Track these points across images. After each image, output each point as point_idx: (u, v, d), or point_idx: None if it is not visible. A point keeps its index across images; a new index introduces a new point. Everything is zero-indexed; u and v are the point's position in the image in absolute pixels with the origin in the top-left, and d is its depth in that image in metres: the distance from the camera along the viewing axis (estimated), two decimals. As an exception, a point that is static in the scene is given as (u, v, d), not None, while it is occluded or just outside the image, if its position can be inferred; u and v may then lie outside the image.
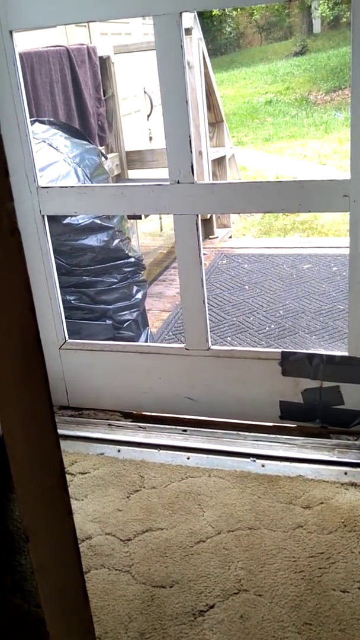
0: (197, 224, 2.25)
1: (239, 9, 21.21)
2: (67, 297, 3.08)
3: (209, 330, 2.38)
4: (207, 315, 2.37)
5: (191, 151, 2.16)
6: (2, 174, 0.62)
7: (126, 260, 3.26)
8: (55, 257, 2.52)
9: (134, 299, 3.31)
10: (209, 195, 2.22)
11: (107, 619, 1.65)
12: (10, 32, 2.20)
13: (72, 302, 3.12)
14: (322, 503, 1.95)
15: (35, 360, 0.72)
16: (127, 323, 3.26)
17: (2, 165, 0.62)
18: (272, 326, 4.12)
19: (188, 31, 4.89)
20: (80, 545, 1.87)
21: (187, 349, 2.41)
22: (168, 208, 2.31)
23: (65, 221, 3.05)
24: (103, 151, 4.57)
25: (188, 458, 2.22)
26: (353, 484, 2.02)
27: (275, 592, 1.68)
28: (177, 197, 2.23)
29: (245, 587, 1.70)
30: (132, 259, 3.30)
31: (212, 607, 1.66)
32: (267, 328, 4.10)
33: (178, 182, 2.21)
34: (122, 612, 1.67)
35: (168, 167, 2.21)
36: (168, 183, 2.23)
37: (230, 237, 6.22)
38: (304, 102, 14.74)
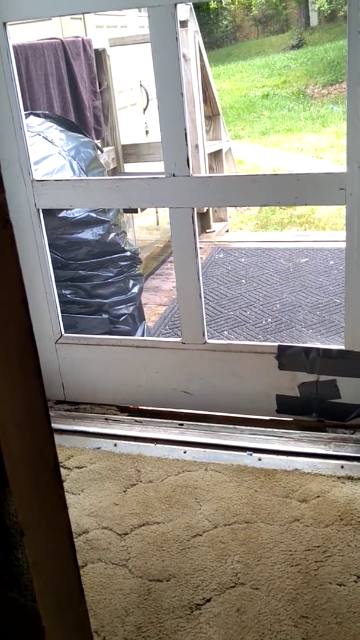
0: (193, 218, 2.25)
1: (236, 2, 21.12)
2: (63, 291, 3.07)
3: (205, 324, 2.38)
4: (204, 309, 2.36)
5: (187, 144, 2.15)
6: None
7: (122, 254, 3.25)
8: (50, 251, 2.51)
9: (130, 293, 3.30)
10: (205, 188, 2.21)
11: (103, 612, 1.65)
12: (4, 24, 2.18)
13: (68, 296, 3.11)
14: (318, 496, 1.95)
15: (29, 355, 0.72)
16: (123, 317, 3.25)
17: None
18: (269, 320, 4.12)
19: (184, 24, 4.87)
20: (76, 540, 1.87)
21: (184, 343, 2.40)
22: (164, 201, 2.30)
23: (61, 215, 3.04)
24: (99, 144, 4.55)
25: (185, 452, 2.22)
26: (349, 478, 2.02)
27: (271, 585, 1.68)
28: (173, 190, 2.22)
29: (241, 580, 1.70)
30: (128, 253, 3.28)
31: (208, 600, 1.66)
32: (263, 322, 4.10)
33: (174, 175, 2.20)
34: (119, 606, 1.67)
35: (164, 160, 2.20)
36: (164, 176, 2.22)
37: (227, 230, 6.21)
38: (301, 95, 14.68)
